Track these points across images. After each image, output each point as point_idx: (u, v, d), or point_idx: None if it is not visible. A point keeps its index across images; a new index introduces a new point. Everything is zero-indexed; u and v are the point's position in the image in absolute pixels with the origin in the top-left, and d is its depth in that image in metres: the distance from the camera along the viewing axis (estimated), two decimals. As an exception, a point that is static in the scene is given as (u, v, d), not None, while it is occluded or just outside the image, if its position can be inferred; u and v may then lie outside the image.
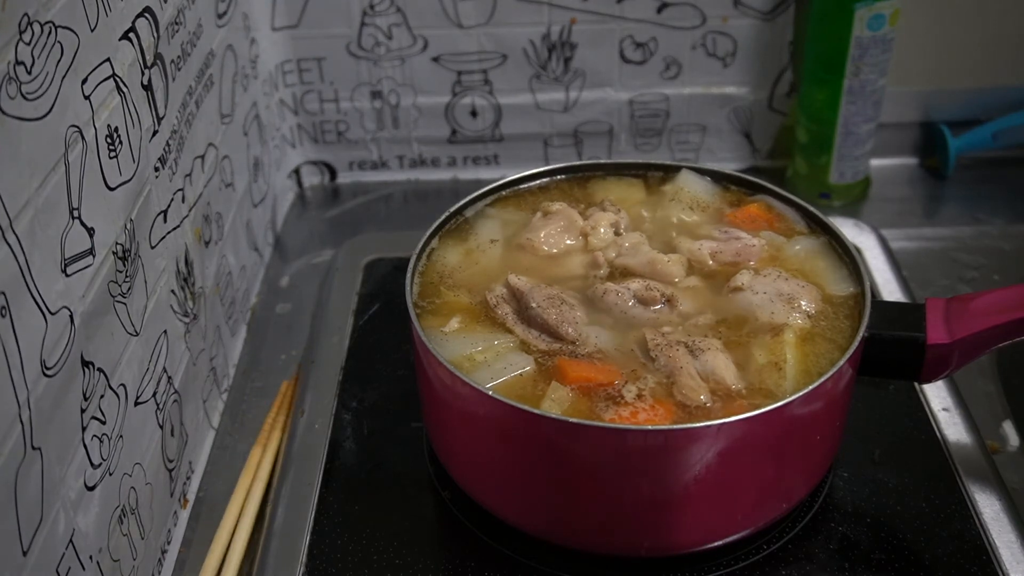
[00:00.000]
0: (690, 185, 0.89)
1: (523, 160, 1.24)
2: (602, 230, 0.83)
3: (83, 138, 0.62)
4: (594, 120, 1.23)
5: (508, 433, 0.70)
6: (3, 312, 0.51)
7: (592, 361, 0.72)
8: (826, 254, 0.82)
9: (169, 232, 0.78)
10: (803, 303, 0.76)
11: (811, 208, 0.84)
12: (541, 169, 0.91)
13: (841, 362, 0.69)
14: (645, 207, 0.88)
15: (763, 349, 0.73)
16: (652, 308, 0.76)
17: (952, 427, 0.85)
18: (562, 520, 0.74)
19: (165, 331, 0.76)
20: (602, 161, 0.93)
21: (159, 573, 0.75)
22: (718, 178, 0.90)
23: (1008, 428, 0.88)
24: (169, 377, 0.77)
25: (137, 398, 0.70)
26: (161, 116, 0.76)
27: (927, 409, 0.87)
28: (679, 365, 0.71)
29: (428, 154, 1.26)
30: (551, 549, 0.75)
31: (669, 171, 0.91)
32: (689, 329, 0.75)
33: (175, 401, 0.79)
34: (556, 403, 0.69)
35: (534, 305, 0.75)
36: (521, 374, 0.72)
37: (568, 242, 0.83)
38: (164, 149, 0.77)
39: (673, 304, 0.76)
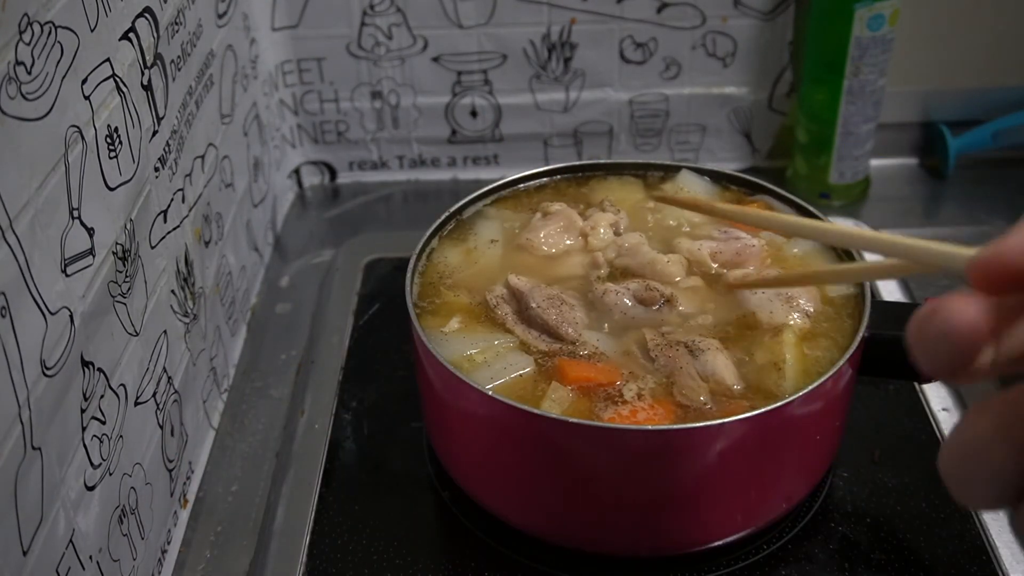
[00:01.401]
0: (689, 185, 0.89)
1: (523, 160, 1.24)
2: (601, 230, 0.83)
3: (83, 138, 0.62)
4: (594, 120, 1.23)
5: (508, 433, 0.70)
6: (3, 312, 0.51)
7: (592, 362, 0.72)
8: (826, 254, 0.82)
9: (169, 232, 0.78)
10: (802, 302, 0.76)
11: (811, 208, 0.84)
12: (541, 169, 0.91)
13: (841, 362, 0.69)
14: (644, 207, 0.88)
15: (762, 349, 0.73)
16: (652, 308, 0.76)
17: (952, 427, 0.85)
18: (562, 520, 0.74)
19: (165, 331, 0.76)
20: (602, 161, 0.93)
21: (159, 573, 0.75)
22: (717, 178, 0.90)
23: (1008, 428, 0.88)
24: (169, 377, 0.77)
25: (137, 398, 0.70)
26: (161, 116, 0.76)
27: (927, 409, 0.87)
28: (679, 365, 0.71)
29: (428, 154, 1.26)
30: (551, 549, 0.75)
31: (669, 171, 0.91)
32: (689, 329, 0.75)
33: (175, 401, 0.79)
34: (556, 403, 0.69)
35: (534, 305, 0.75)
36: (521, 375, 0.72)
37: (568, 242, 0.83)
38: (164, 149, 0.77)
39: (672, 304, 0.76)
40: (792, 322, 0.74)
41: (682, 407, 0.69)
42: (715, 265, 0.80)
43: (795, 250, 0.82)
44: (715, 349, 0.72)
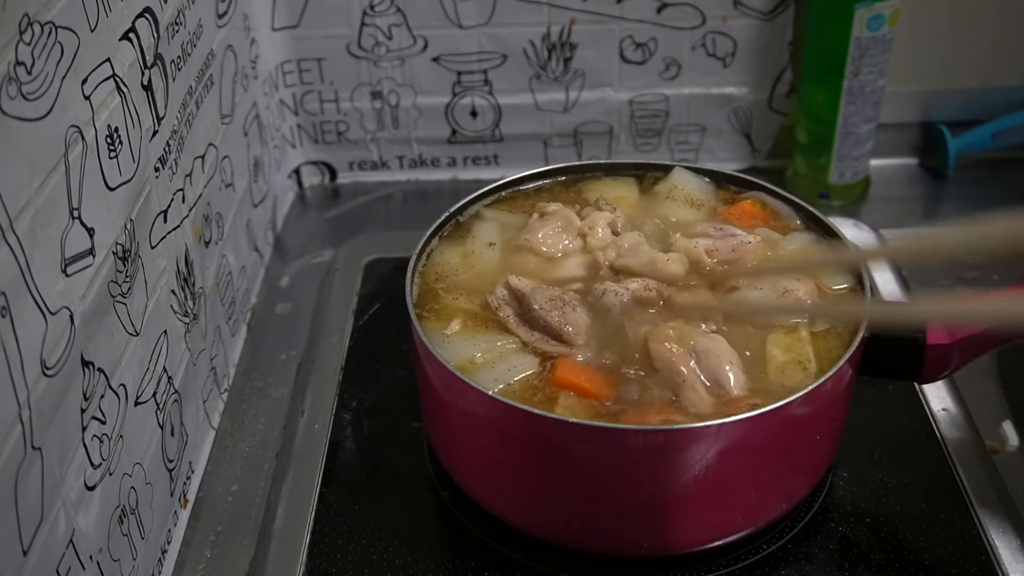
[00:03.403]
0: (683, 183, 0.89)
1: (523, 160, 1.24)
2: (599, 230, 0.83)
3: (83, 138, 0.62)
4: (594, 120, 1.23)
5: (508, 433, 0.70)
6: (3, 312, 0.51)
7: (592, 368, 0.72)
8: (821, 248, 0.82)
9: (169, 232, 0.78)
10: (800, 295, 0.76)
11: (803, 203, 0.85)
12: (541, 169, 0.91)
13: (841, 362, 0.69)
14: (640, 206, 0.88)
15: (779, 347, 0.72)
16: (651, 310, 0.76)
17: (952, 427, 0.85)
18: (562, 520, 0.74)
19: (165, 331, 0.76)
20: (601, 161, 0.93)
21: (159, 573, 0.75)
22: (711, 177, 0.90)
23: (1008, 428, 0.88)
24: (169, 377, 0.77)
25: (137, 398, 0.70)
26: (161, 116, 0.76)
27: (927, 409, 0.87)
28: (683, 379, 0.70)
29: (428, 154, 1.26)
30: (551, 549, 0.75)
31: (667, 171, 0.91)
32: (692, 328, 0.74)
33: (175, 401, 0.79)
34: (568, 410, 0.69)
35: (536, 307, 0.75)
36: (524, 376, 0.72)
37: (566, 243, 0.83)
38: (164, 149, 0.77)
39: (671, 305, 0.76)
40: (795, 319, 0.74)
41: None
42: (712, 262, 0.80)
43: (790, 247, 0.82)
44: (720, 352, 0.71)
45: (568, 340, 0.74)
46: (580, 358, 0.73)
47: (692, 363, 0.71)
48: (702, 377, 0.70)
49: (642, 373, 0.72)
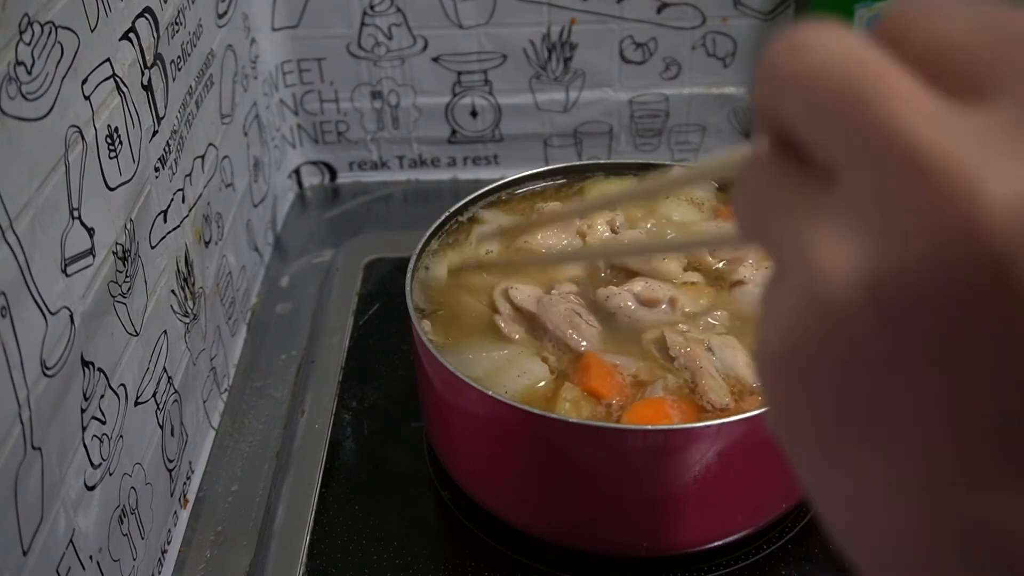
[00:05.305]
0: (684, 183, 0.89)
1: (523, 160, 1.24)
2: (599, 228, 0.83)
3: (83, 138, 0.62)
4: (594, 120, 1.23)
5: (508, 433, 0.70)
6: (3, 312, 0.51)
7: (606, 368, 0.72)
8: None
9: (169, 232, 0.78)
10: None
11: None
12: (541, 169, 0.91)
13: (841, 362, 0.69)
14: (640, 206, 0.88)
15: None
16: (657, 309, 0.76)
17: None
18: (562, 520, 0.74)
19: (165, 331, 0.76)
20: (601, 161, 0.93)
21: (159, 573, 0.75)
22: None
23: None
24: (169, 377, 0.77)
25: (137, 398, 0.70)
26: (161, 116, 0.76)
27: (927, 409, 0.87)
28: (699, 364, 0.70)
29: (428, 154, 1.26)
30: (551, 549, 0.75)
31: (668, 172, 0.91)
32: (700, 326, 0.74)
33: (175, 401, 0.79)
34: (572, 404, 0.69)
35: (550, 327, 0.74)
36: (527, 381, 0.72)
37: (565, 243, 0.83)
38: (164, 149, 0.77)
39: (675, 305, 0.76)
40: None
41: (702, 409, 0.69)
42: (711, 259, 0.80)
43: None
44: (734, 347, 0.72)
45: (579, 351, 0.74)
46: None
47: (708, 352, 0.71)
48: (718, 366, 0.70)
49: (658, 367, 0.72)
